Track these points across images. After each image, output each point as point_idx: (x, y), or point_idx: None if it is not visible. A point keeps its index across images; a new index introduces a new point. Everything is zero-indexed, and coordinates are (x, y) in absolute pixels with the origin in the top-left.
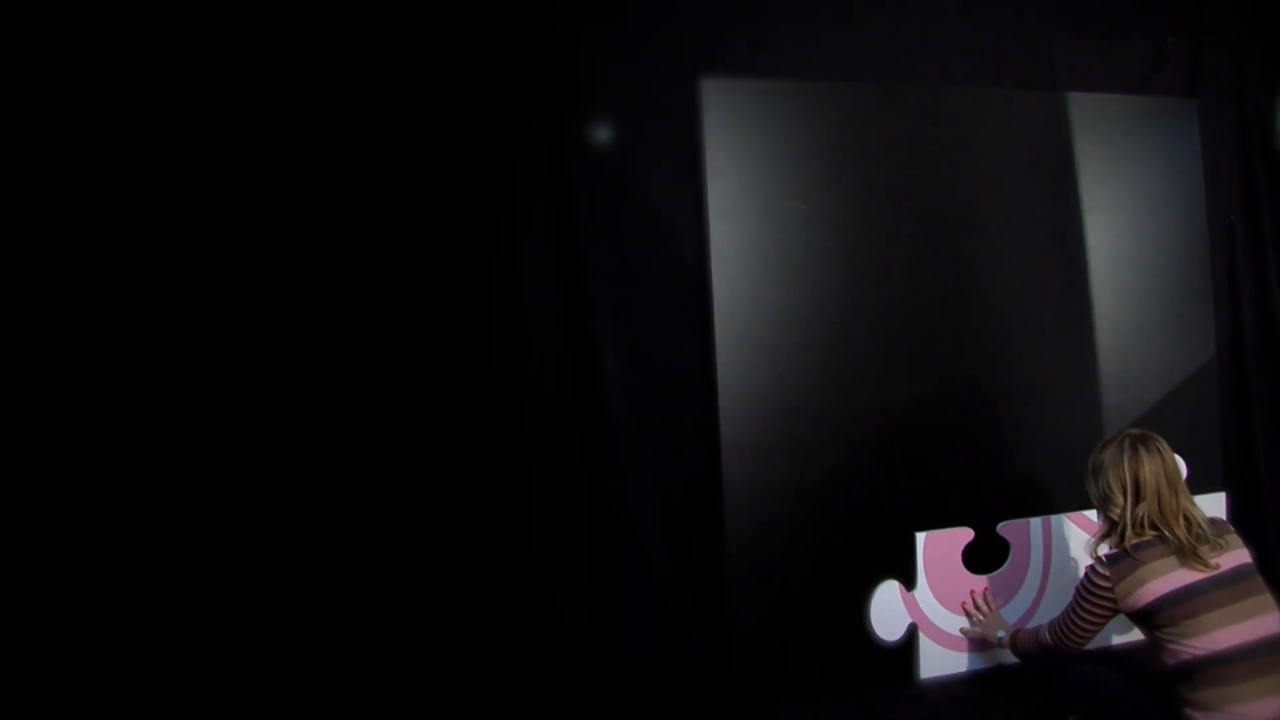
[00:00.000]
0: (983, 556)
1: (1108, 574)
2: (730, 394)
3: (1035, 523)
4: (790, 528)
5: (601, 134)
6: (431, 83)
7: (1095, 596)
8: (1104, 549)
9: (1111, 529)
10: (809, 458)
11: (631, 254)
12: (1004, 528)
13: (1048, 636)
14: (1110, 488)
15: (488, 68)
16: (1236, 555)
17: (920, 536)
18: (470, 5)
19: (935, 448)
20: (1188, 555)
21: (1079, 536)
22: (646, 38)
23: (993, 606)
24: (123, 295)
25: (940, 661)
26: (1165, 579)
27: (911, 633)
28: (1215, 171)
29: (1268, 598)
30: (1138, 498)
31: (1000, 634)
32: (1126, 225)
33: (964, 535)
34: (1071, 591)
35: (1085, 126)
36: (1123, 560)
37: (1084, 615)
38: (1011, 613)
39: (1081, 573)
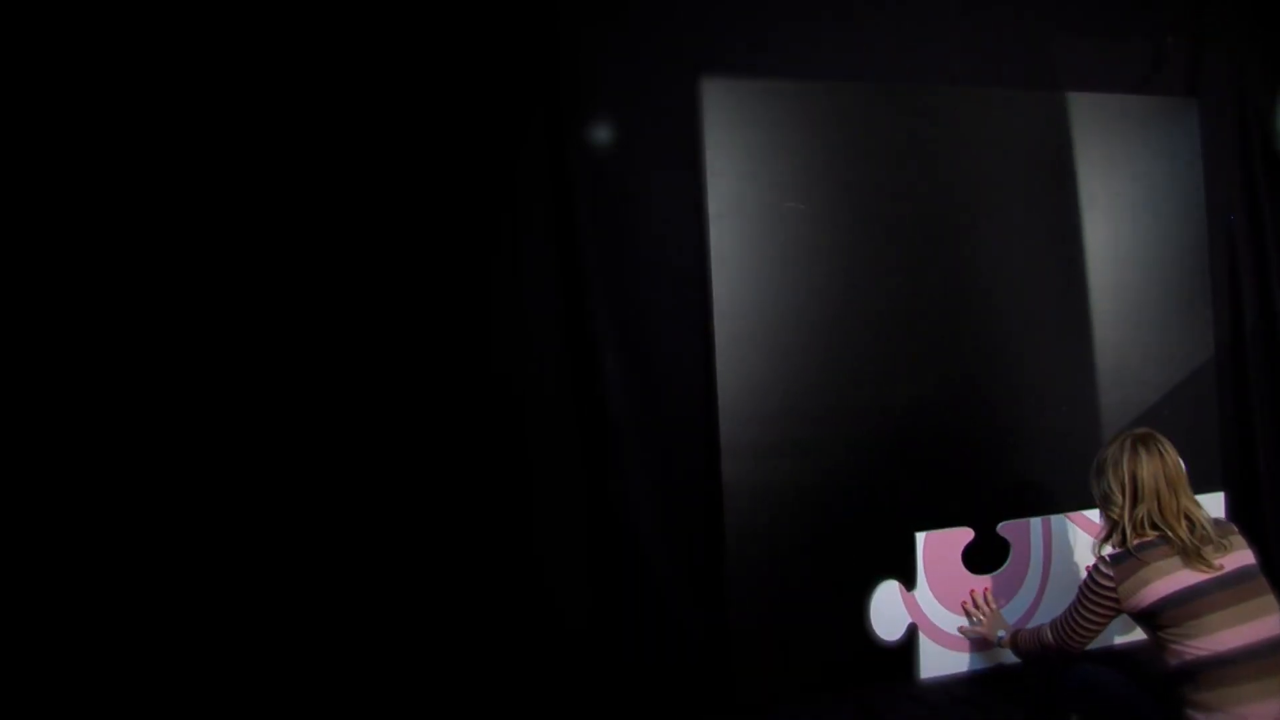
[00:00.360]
0: (983, 556)
1: (1111, 574)
2: (730, 394)
3: (1035, 523)
4: (790, 528)
5: (601, 134)
6: (432, 83)
7: (1098, 596)
8: (1107, 549)
9: (1113, 529)
10: (809, 458)
11: (631, 254)
12: (1004, 528)
13: (1049, 636)
14: (1110, 487)
15: (488, 68)
16: (1240, 556)
17: (920, 536)
18: (470, 5)
19: (935, 448)
20: (1191, 556)
21: (1079, 536)
22: (646, 38)
23: (993, 606)
24: (124, 297)
25: (940, 661)
26: (1169, 579)
27: (911, 633)
28: (1215, 171)
29: (1271, 599)
30: (1136, 498)
31: (1001, 633)
32: (1126, 225)
33: (964, 535)
34: (1073, 591)
35: (1085, 126)
36: (1126, 560)
37: (1087, 615)
38: (1012, 613)
39: (1083, 573)
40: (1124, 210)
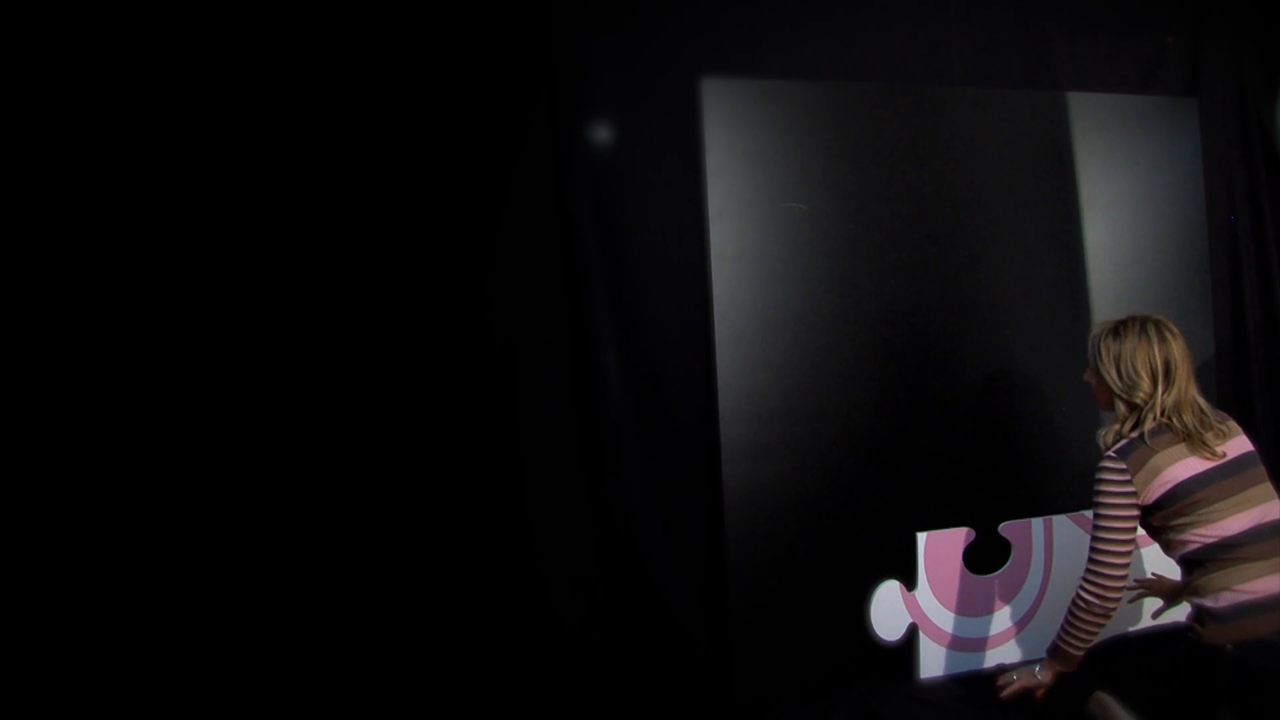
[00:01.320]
0: (984, 557)
1: (1123, 465)
2: (730, 394)
3: (1037, 523)
4: (790, 527)
5: (602, 134)
6: (432, 83)
7: (1116, 494)
8: (1114, 445)
9: (1129, 414)
10: (809, 457)
11: (631, 254)
12: (1005, 528)
13: (1079, 596)
14: (1137, 373)
15: (488, 69)
16: (1239, 443)
17: (921, 537)
18: (471, 6)
19: (936, 447)
20: (1195, 442)
21: (1081, 537)
22: (647, 38)
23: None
24: (115, 282)
25: (940, 661)
26: (1179, 466)
27: (912, 633)
28: (1215, 171)
29: (1269, 486)
30: (1169, 382)
31: (1036, 667)
32: (1126, 225)
33: (966, 535)
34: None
35: (1085, 126)
36: (1136, 449)
37: (1110, 524)
38: (1013, 613)
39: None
40: (1124, 210)
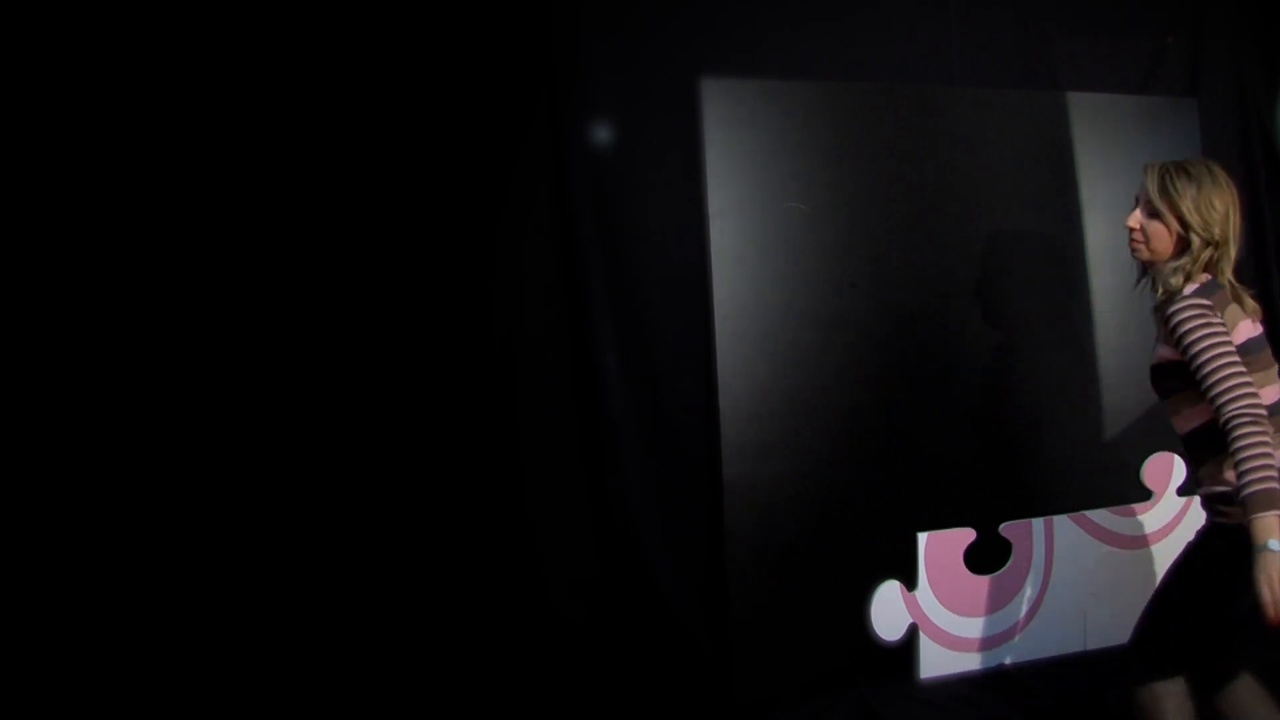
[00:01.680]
0: (984, 557)
1: (1208, 302)
2: (730, 394)
3: (1037, 523)
4: (790, 527)
5: (602, 134)
6: (433, 83)
7: (1209, 322)
8: (1187, 288)
9: (1203, 249)
10: (809, 457)
11: (632, 254)
12: (1006, 528)
13: (1233, 428)
14: (1214, 209)
15: (489, 69)
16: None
17: (922, 537)
18: (471, 6)
19: (937, 447)
20: (1244, 304)
21: (1081, 537)
22: (647, 38)
23: None
24: (117, 278)
25: (940, 661)
26: (1242, 325)
27: (912, 633)
28: None
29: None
30: (1237, 224)
31: (1269, 543)
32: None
33: (966, 535)
34: (1074, 590)
35: (1085, 126)
36: (1216, 292)
37: (1215, 350)
38: (1012, 614)
39: (1088, 567)
40: (1124, 210)
